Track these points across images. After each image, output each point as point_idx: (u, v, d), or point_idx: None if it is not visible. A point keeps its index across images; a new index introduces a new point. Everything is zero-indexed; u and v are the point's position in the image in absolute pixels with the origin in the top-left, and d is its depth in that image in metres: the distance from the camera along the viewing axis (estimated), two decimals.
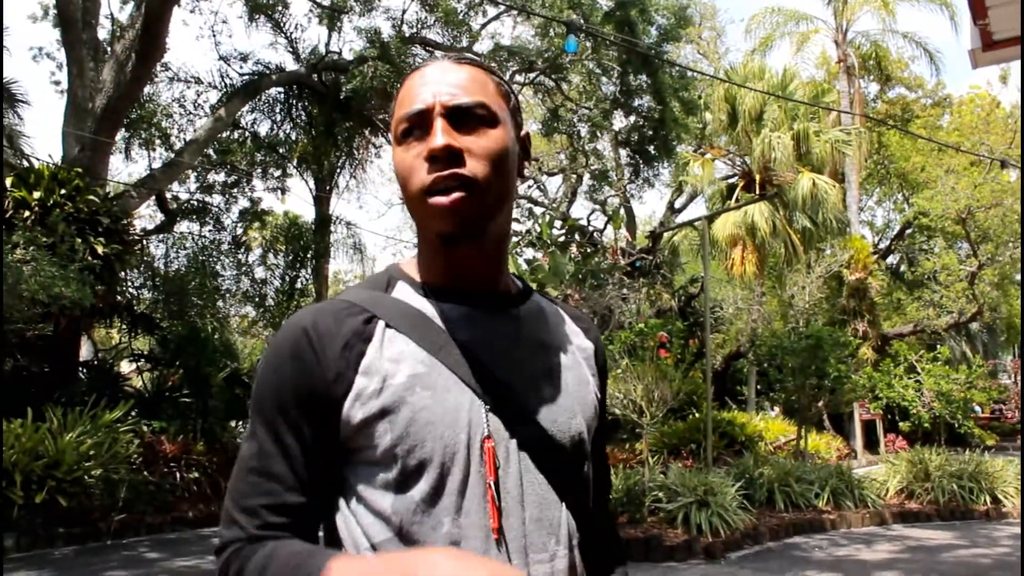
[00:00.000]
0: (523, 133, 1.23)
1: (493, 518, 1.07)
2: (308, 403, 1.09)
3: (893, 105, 29.25)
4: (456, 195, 1.08)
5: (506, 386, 1.13)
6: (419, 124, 1.12)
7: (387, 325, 1.13)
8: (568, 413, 1.17)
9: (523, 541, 1.09)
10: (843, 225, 22.48)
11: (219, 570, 1.09)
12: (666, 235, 23.62)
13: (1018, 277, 20.90)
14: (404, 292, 1.18)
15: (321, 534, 1.15)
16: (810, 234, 20.72)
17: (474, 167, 1.09)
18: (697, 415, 16.44)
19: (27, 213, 11.46)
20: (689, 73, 18.50)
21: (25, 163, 13.64)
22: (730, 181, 23.38)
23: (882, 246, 29.02)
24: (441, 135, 1.09)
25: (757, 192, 19.76)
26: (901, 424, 18.54)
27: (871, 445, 19.04)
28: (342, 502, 1.12)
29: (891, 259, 29.03)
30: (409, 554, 0.96)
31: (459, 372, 1.11)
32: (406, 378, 1.09)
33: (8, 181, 11.86)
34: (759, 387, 21.16)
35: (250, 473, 1.10)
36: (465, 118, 1.11)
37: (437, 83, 1.13)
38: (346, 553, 1.08)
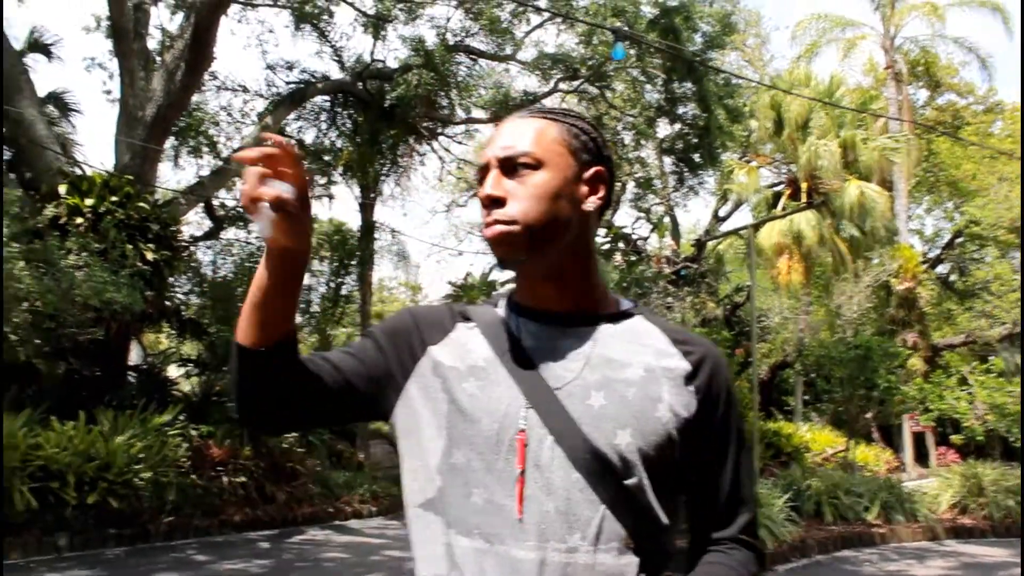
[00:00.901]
0: (593, 170, 1.37)
1: (519, 502, 1.21)
2: (400, 346, 1.38)
3: (943, 112, 28.76)
4: (495, 230, 1.29)
5: (552, 389, 1.27)
6: (485, 170, 1.34)
7: (480, 330, 1.37)
8: (615, 423, 1.24)
9: (542, 527, 1.20)
10: (891, 234, 22.17)
11: None
12: (711, 244, 23.44)
13: None
14: (501, 307, 1.42)
15: None
16: (858, 243, 20.47)
17: (512, 208, 1.29)
18: None
19: (80, 220, 11.66)
20: (734, 80, 18.34)
21: (78, 171, 13.89)
22: (776, 189, 23.19)
23: (931, 255, 28.52)
24: (488, 186, 1.31)
25: (803, 200, 19.57)
26: (953, 437, 18.17)
27: (921, 458, 18.73)
28: (404, 454, 1.36)
29: (941, 268, 28.48)
30: None
31: (512, 371, 1.29)
32: (466, 367, 1.31)
33: (62, 189, 12.08)
34: (806, 397, 20.89)
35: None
36: (512, 166, 1.32)
37: (500, 139, 1.35)
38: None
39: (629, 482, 1.24)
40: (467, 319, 1.39)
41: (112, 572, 8.33)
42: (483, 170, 1.34)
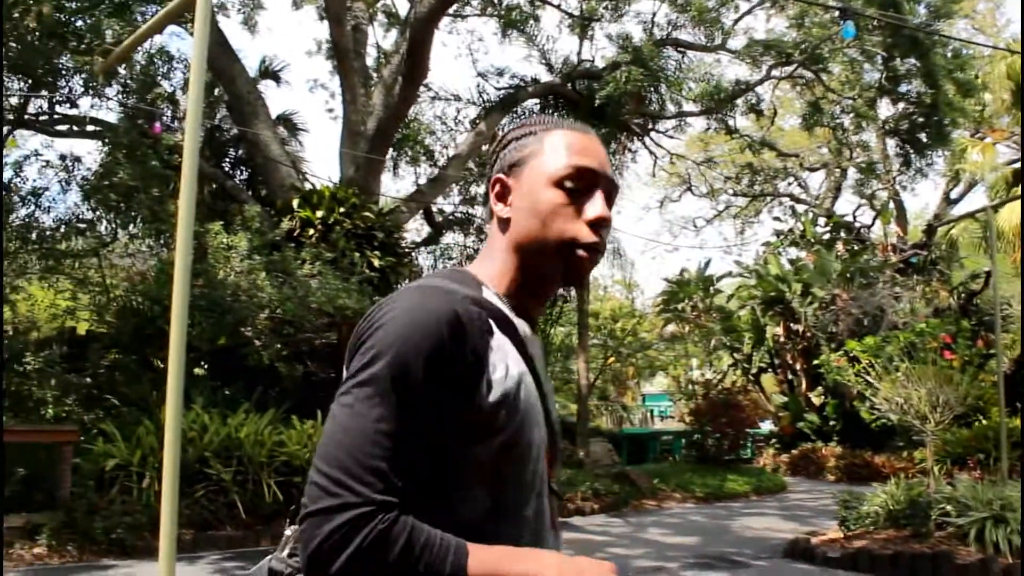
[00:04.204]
0: None
1: (552, 515, 1.28)
2: (447, 380, 1.12)
3: None
4: (596, 257, 1.28)
5: (546, 396, 1.29)
6: (583, 178, 1.28)
7: (495, 323, 1.23)
8: (557, 424, 1.34)
9: (555, 530, 1.29)
10: None
11: (332, 535, 1.05)
12: (942, 228, 21.93)
13: None
14: (493, 299, 1.26)
15: None
16: None
17: (606, 237, 1.30)
18: (984, 422, 15.10)
19: (312, 231, 12.45)
20: (965, 51, 17.05)
21: (308, 185, 14.84)
22: (1015, 166, 21.35)
23: None
24: (605, 207, 1.28)
25: (1021, 164, 17.90)
26: None
27: None
28: (444, 478, 1.15)
29: None
30: (536, 554, 1.12)
31: (535, 379, 1.25)
32: (517, 373, 1.19)
33: (295, 203, 12.94)
34: None
35: (379, 437, 1.08)
36: (610, 195, 1.32)
37: (600, 155, 1.32)
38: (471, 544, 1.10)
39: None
40: (481, 309, 1.21)
41: None
42: (586, 174, 1.29)
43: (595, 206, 1.27)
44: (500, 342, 1.19)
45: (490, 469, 1.16)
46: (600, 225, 1.27)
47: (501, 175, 1.33)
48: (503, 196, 1.32)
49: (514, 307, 1.29)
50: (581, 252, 1.26)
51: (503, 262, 1.31)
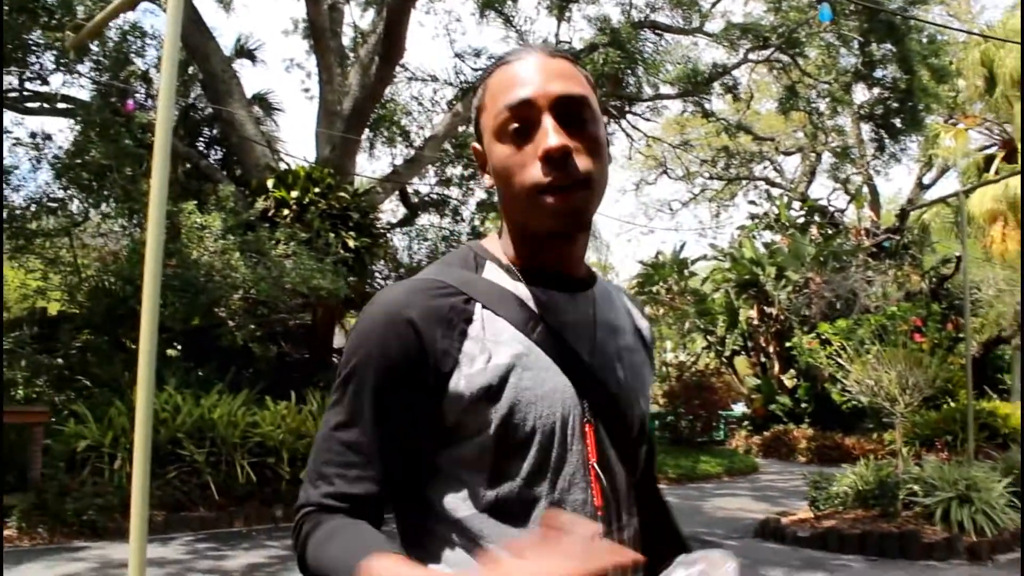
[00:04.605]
0: None
1: (597, 496, 1.13)
2: (408, 380, 1.10)
3: None
4: (571, 194, 1.09)
5: (590, 368, 1.17)
6: (523, 117, 1.11)
7: (483, 306, 1.14)
8: (635, 394, 1.22)
9: (607, 511, 1.14)
10: None
11: (293, 531, 1.16)
12: (915, 213, 22.13)
13: None
14: (494, 273, 1.19)
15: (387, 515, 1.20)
16: None
17: (585, 165, 1.10)
18: (952, 404, 15.32)
19: (286, 211, 12.37)
20: (940, 36, 17.15)
21: (283, 165, 14.74)
22: (987, 152, 21.57)
23: None
24: (555, 134, 1.08)
25: (1020, 162, 18.08)
26: None
27: None
28: (427, 479, 1.14)
29: None
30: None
31: (552, 354, 1.14)
32: (508, 358, 1.11)
33: (270, 183, 12.85)
34: None
35: (333, 443, 1.13)
36: (572, 113, 1.12)
37: (539, 74, 1.13)
38: (392, 553, 1.03)
39: (639, 451, 1.25)
40: (470, 297, 1.14)
41: None
42: (521, 109, 1.11)
43: (542, 139, 1.09)
44: (486, 328, 1.12)
45: (479, 465, 1.11)
46: (556, 157, 1.08)
47: (475, 144, 1.24)
48: (484, 166, 1.21)
49: (531, 271, 1.19)
50: (547, 198, 1.09)
51: (506, 230, 1.22)
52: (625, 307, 1.32)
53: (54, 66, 11.65)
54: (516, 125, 1.12)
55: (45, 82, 12.14)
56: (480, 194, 19.53)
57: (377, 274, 15.83)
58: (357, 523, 1.10)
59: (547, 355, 1.13)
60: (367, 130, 17.02)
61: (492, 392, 1.09)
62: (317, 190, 12.70)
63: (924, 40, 16.28)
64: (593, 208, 1.14)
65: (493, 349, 1.11)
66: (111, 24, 12.24)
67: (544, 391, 1.12)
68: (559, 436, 1.12)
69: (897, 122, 17.52)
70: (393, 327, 1.10)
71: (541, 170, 1.09)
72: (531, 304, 1.16)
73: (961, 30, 22.07)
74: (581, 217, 1.13)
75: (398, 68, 16.91)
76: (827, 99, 17.36)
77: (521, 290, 1.17)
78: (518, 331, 1.13)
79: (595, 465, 1.14)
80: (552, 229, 1.13)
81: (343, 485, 1.11)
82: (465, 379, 1.09)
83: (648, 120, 20.41)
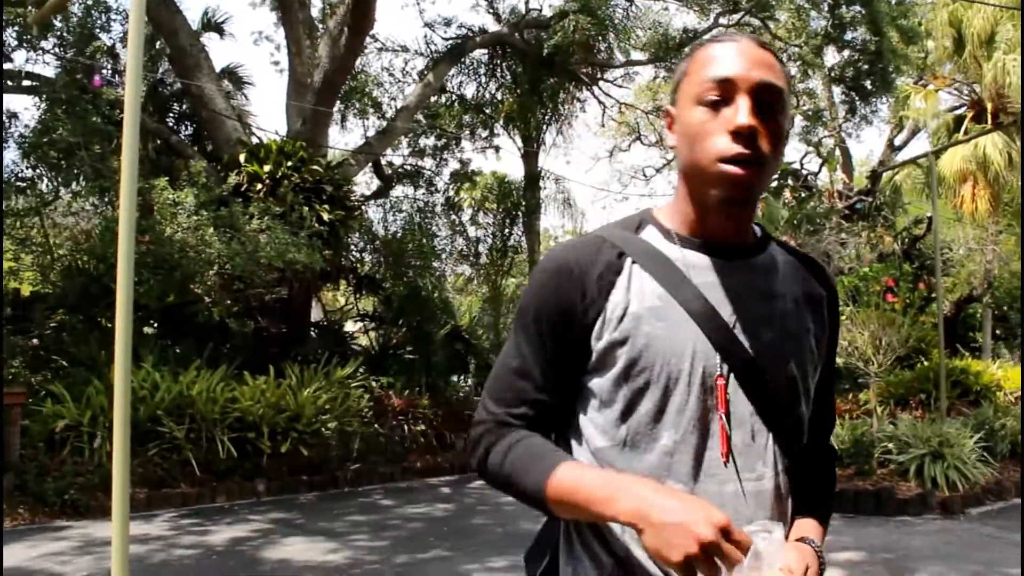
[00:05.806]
0: None
1: (723, 444, 1.26)
2: (565, 322, 1.30)
3: None
4: (748, 168, 1.22)
5: (728, 326, 1.28)
6: (723, 91, 1.25)
7: (633, 262, 1.30)
8: (784, 355, 1.31)
9: (737, 461, 1.27)
10: None
11: (471, 442, 1.38)
12: (886, 175, 22.25)
13: None
14: (652, 235, 1.35)
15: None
16: None
17: (765, 148, 1.23)
18: (926, 363, 15.53)
19: (259, 185, 12.28)
20: None
21: (255, 139, 14.61)
22: (957, 113, 21.68)
23: None
24: (748, 114, 1.22)
25: (989, 123, 18.22)
26: None
27: None
28: (577, 410, 1.34)
29: None
30: (627, 479, 1.18)
31: (690, 309, 1.27)
32: (644, 310, 1.27)
33: (242, 157, 12.74)
34: (998, 332, 19.68)
35: (507, 371, 1.35)
36: (766, 101, 1.24)
37: (746, 59, 1.26)
38: (574, 459, 1.28)
39: (793, 411, 1.33)
40: (623, 252, 1.31)
41: (308, 516, 8.89)
42: (723, 85, 1.25)
43: (735, 114, 1.23)
44: (632, 281, 1.29)
45: (612, 401, 1.28)
46: (745, 133, 1.21)
47: (668, 106, 1.36)
48: (671, 126, 1.34)
49: (690, 238, 1.33)
50: (725, 167, 1.22)
51: (677, 193, 1.36)
52: (799, 276, 1.41)
53: (17, 42, 11.46)
54: (715, 97, 1.25)
55: (8, 59, 11.95)
56: (454, 164, 19.49)
57: (352, 247, 15.78)
58: (533, 435, 1.31)
59: (685, 310, 1.27)
60: (338, 102, 16.87)
61: (626, 338, 1.26)
62: (290, 164, 12.62)
63: (893, 2, 16.33)
64: (761, 187, 1.27)
65: (632, 300, 1.28)
66: None
67: (675, 341, 1.26)
68: (684, 384, 1.26)
69: (867, 84, 17.60)
70: (556, 278, 1.31)
71: (727, 140, 1.22)
72: (679, 264, 1.30)
73: None
74: (750, 191, 1.26)
75: (368, 39, 16.77)
76: (798, 62, 17.40)
77: (673, 251, 1.32)
78: (659, 286, 1.28)
79: (723, 416, 1.26)
80: (723, 196, 1.25)
81: (517, 406, 1.33)
82: (607, 324, 1.27)
83: (620, 87, 20.43)
